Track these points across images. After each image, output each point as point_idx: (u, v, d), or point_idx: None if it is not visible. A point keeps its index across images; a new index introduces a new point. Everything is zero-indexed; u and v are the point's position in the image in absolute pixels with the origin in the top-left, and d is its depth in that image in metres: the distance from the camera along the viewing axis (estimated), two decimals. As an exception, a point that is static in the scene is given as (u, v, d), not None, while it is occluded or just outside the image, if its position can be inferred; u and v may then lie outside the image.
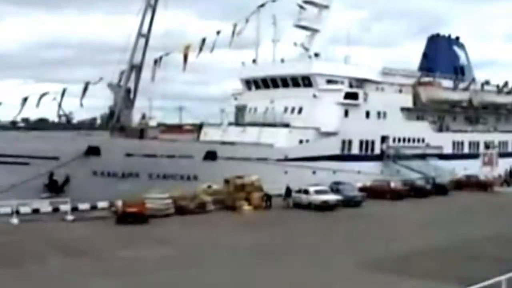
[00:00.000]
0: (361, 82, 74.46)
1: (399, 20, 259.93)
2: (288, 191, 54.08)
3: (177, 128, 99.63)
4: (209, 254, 32.81)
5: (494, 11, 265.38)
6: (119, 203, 44.43)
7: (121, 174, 53.53)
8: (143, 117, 60.84)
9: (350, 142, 69.48)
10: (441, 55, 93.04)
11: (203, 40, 61.75)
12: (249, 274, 28.20)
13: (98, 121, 59.62)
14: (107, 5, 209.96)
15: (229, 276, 27.75)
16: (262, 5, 70.01)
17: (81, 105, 57.73)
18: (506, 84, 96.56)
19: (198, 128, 79.25)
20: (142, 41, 57.35)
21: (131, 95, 58.47)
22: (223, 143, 63.02)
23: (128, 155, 53.54)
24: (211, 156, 57.50)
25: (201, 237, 38.73)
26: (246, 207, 50.76)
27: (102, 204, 48.53)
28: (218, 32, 62.99)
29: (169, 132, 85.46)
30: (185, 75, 65.18)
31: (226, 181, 52.45)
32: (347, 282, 27.25)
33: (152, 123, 63.14)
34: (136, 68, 57.68)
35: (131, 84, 58.13)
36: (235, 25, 65.02)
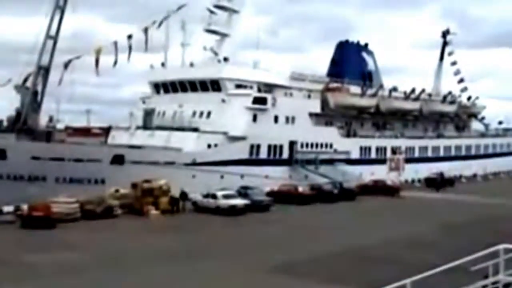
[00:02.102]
0: (270, 87, 76.50)
1: (307, 25, 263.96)
2: (183, 194, 54.73)
3: (85, 131, 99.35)
4: (114, 259, 33.21)
5: (401, 20, 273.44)
6: (25, 206, 44.18)
7: (28, 177, 53.47)
8: (51, 120, 60.86)
9: (258, 146, 70.81)
10: (349, 61, 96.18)
11: (115, 44, 62.55)
12: (153, 279, 28.71)
13: (5, 124, 59.33)
14: (16, 7, 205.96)
15: (133, 281, 28.34)
16: (181, 6, 71.02)
17: None
18: (413, 90, 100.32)
19: (106, 131, 79.25)
20: (50, 43, 57.65)
21: (39, 98, 58.52)
22: (131, 146, 63.69)
23: (35, 158, 53.67)
24: (118, 160, 58.13)
25: (107, 242, 38.97)
26: (154, 212, 51.14)
27: (7, 208, 47.51)
28: (129, 36, 63.95)
29: (77, 135, 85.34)
30: (94, 78, 65.79)
31: (134, 185, 52.81)
32: (255, 286, 28.23)
33: (60, 126, 63.29)
34: (43, 70, 57.89)
35: (38, 87, 58.29)
36: (146, 29, 66.06)
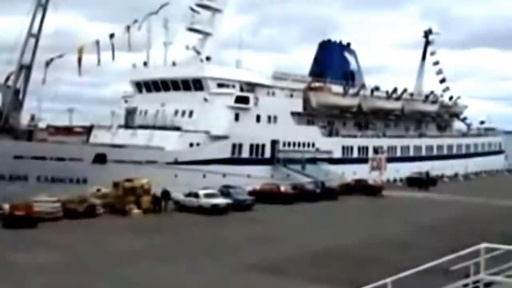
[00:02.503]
0: (252, 86, 76.73)
1: (289, 25, 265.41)
2: (166, 194, 54.92)
3: (67, 130, 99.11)
4: (95, 258, 33.59)
5: (382, 19, 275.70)
6: (6, 206, 44.28)
7: (9, 176, 53.42)
8: (32, 118, 60.81)
9: (240, 145, 71.06)
10: (331, 60, 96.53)
11: (97, 43, 62.65)
12: (128, 279, 29.02)
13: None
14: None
15: (113, 280, 28.69)
16: (163, 5, 71.24)
17: None
18: (395, 90, 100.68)
19: (88, 130, 79.03)
20: (32, 41, 57.60)
21: (20, 96, 58.47)
22: (113, 146, 63.73)
23: (16, 157, 53.62)
24: (100, 159, 58.22)
25: (87, 242, 39.20)
26: (136, 211, 51.49)
27: (-12, 207, 48.06)
28: (111, 35, 64.05)
29: (59, 134, 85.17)
30: (77, 77, 65.74)
31: (116, 184, 53.08)
32: (238, 285, 28.62)
33: (41, 125, 63.24)
34: (25, 69, 57.84)
35: (20, 85, 58.24)
36: (128, 28, 66.19)
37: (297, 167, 75.73)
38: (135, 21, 68.59)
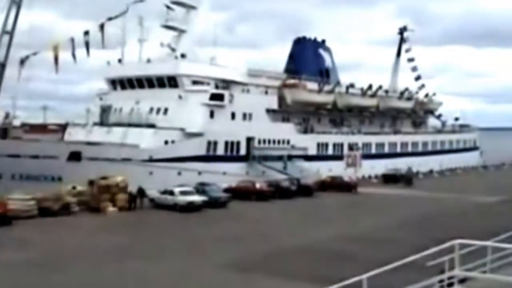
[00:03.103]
0: (227, 84, 77.15)
1: (264, 22, 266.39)
2: (141, 191, 55.15)
3: (41, 128, 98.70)
4: (69, 257, 33.68)
5: (357, 17, 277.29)
6: None
7: None
8: (7, 116, 60.84)
9: (215, 143, 71.48)
10: (307, 57, 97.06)
11: (72, 40, 62.75)
12: (98, 278, 29.10)
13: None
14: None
15: (87, 279, 28.83)
16: (136, 1, 71.44)
17: None
18: (370, 87, 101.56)
19: (62, 128, 78.91)
20: (6, 38, 57.55)
21: (-6, 94, 58.59)
22: (88, 143, 64.05)
23: None
24: (75, 156, 58.54)
25: (63, 239, 39.33)
26: (111, 209, 51.62)
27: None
28: (86, 32, 64.22)
29: (33, 132, 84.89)
30: (51, 74, 65.84)
31: (91, 182, 53.08)
32: (212, 281, 28.81)
33: (16, 122, 63.15)
34: None
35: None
36: (102, 25, 66.39)
37: (272, 164, 76.16)
38: (109, 18, 68.77)
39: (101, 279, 29.00)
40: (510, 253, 17.99)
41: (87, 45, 66.98)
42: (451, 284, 16.29)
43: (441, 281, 16.50)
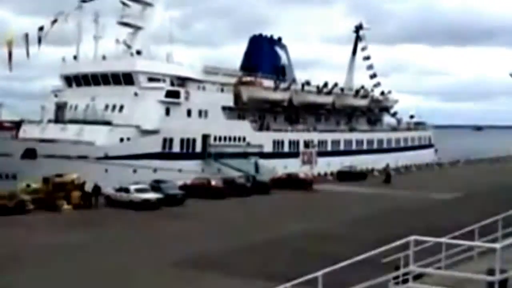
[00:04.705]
0: (183, 81, 77.86)
1: (220, 19, 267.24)
2: (96, 189, 55.46)
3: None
4: (20, 255, 33.65)
5: (312, 15, 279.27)
6: None
7: None
8: (-40, 114, 60.84)
9: (171, 140, 71.91)
10: (263, 55, 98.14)
11: (26, 36, 62.77)
12: (46, 276, 29.28)
13: None
14: None
15: (38, 278, 28.90)
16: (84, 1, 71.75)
17: None
18: (325, 84, 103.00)
19: (17, 125, 78.32)
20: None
21: None
22: (43, 140, 64.10)
23: None
24: (30, 154, 58.66)
25: (13, 238, 39.19)
26: (66, 206, 51.81)
27: None
28: (40, 28, 64.31)
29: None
30: (5, 71, 66.03)
31: (46, 180, 53.23)
32: (163, 279, 29.21)
33: (-30, 120, 62.96)
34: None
35: None
36: (55, 21, 66.57)
37: (228, 161, 76.79)
38: (63, 13, 68.87)
39: (48, 277, 29.18)
40: (464, 249, 18.75)
41: (39, 40, 67.07)
42: (406, 281, 16.40)
43: (396, 277, 16.71)
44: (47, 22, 68.59)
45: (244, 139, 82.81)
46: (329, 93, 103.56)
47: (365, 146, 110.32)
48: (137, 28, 76.43)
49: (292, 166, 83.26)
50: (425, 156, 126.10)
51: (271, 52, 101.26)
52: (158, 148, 70.30)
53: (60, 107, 75.09)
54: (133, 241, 39.19)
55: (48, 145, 62.16)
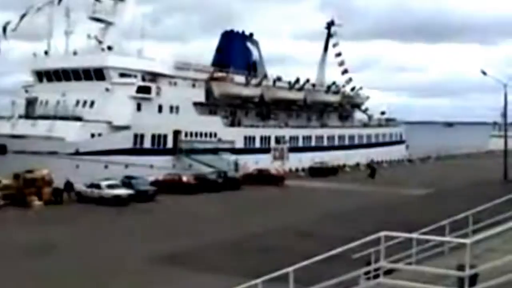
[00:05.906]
0: (154, 76, 77.63)
1: (191, 14, 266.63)
2: (68, 185, 55.76)
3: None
4: None
5: (284, 11, 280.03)
6: None
7: None
8: None
9: (142, 136, 72.02)
10: (234, 51, 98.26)
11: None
12: (28, 272, 29.71)
13: None
14: None
15: (6, 277, 28.69)
16: None
17: None
18: (297, 80, 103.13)
19: (-13, 121, 78.24)
20: None
21: None
22: (13, 136, 63.98)
23: None
24: (0, 149, 58.50)
25: None
26: (37, 202, 52.14)
27: None
28: (7, 23, 63.96)
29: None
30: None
31: (16, 176, 53.46)
32: (135, 276, 29.56)
33: None
34: None
35: None
36: (23, 15, 66.24)
37: (199, 157, 76.81)
38: (33, 7, 68.53)
39: (17, 276, 29.25)
40: (434, 244, 19.21)
41: (4, 30, 66.64)
42: (377, 276, 16.27)
43: (367, 272, 16.67)
44: (16, 16, 68.26)
45: (215, 135, 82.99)
46: (301, 89, 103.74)
47: (336, 142, 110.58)
48: (109, 24, 76.25)
49: (264, 162, 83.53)
50: (396, 152, 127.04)
51: (243, 48, 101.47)
52: (129, 144, 70.32)
53: (31, 103, 74.92)
54: (103, 237, 39.52)
55: (18, 141, 62.02)
